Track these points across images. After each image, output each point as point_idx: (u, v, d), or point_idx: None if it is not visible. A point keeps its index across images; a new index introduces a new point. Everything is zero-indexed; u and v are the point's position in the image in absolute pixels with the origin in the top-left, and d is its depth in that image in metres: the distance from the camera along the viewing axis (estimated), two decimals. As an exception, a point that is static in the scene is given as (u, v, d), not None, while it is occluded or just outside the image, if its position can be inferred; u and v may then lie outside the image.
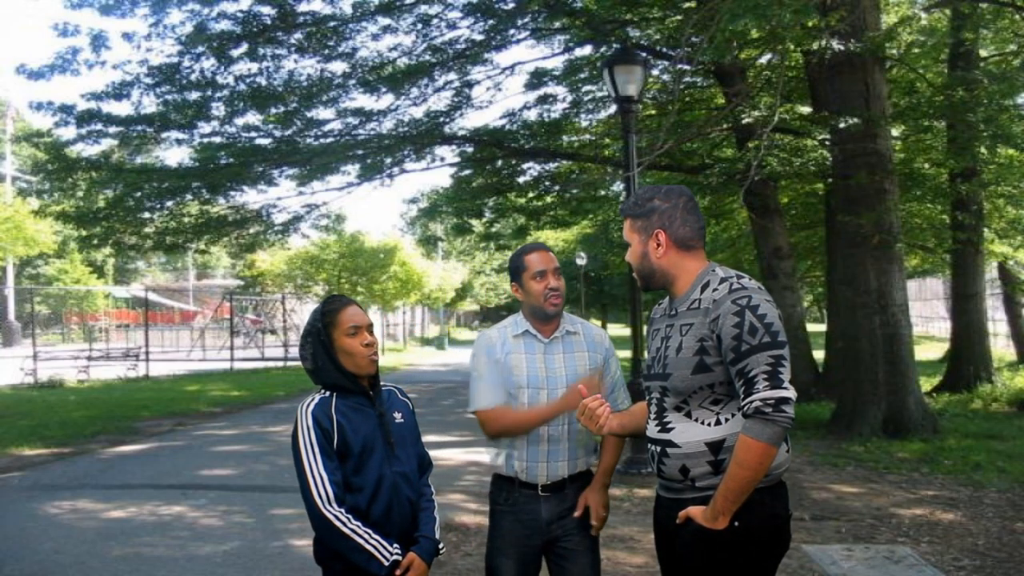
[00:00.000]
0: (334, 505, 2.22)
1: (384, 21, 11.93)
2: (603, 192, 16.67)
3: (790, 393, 2.01)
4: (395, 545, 2.24)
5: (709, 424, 2.14)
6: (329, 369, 2.37)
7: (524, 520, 2.71)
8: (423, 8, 11.83)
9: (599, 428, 2.38)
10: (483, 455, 2.90)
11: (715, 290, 2.15)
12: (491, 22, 11.99)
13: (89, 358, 20.29)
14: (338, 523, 2.21)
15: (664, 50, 12.54)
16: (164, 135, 13.05)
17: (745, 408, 2.02)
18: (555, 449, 2.69)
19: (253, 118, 13.19)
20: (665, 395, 2.21)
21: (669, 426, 2.20)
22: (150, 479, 7.65)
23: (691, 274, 2.24)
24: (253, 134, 13.35)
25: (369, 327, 2.45)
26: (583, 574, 2.71)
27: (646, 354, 2.43)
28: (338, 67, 12.62)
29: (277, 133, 13.29)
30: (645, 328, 2.49)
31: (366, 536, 2.22)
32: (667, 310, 2.31)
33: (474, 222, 17.54)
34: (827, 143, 10.42)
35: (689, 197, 2.28)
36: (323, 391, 2.41)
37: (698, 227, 2.26)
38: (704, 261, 2.27)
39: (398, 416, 2.48)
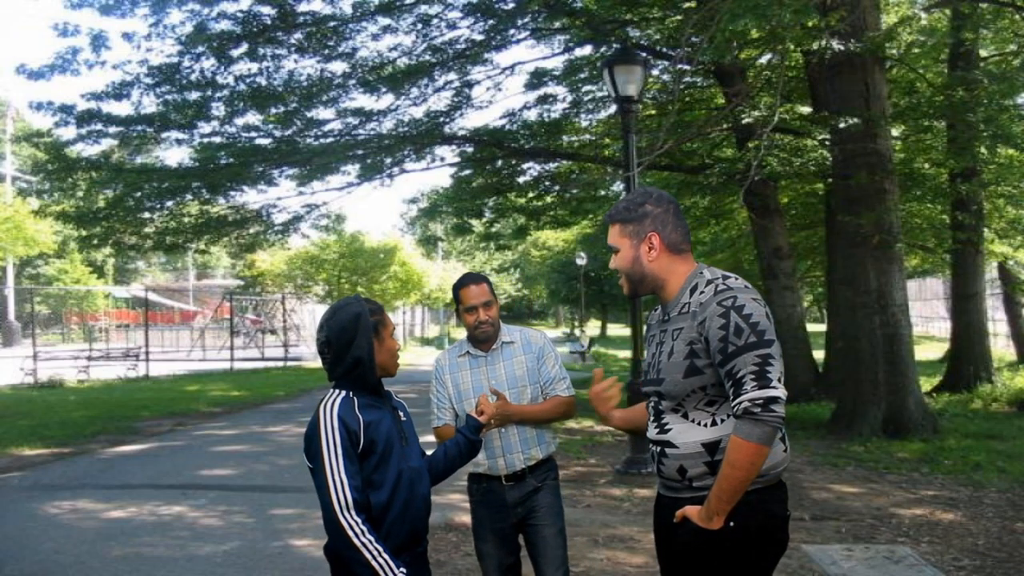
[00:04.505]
0: (351, 513, 2.20)
1: (384, 21, 11.93)
2: (603, 192, 16.65)
3: (779, 392, 2.01)
4: (402, 568, 2.22)
5: (705, 425, 2.15)
6: (368, 366, 2.37)
7: (493, 506, 3.16)
8: (423, 8, 11.83)
9: (605, 414, 2.60)
10: (481, 455, 3.05)
11: (702, 292, 2.16)
12: (491, 22, 11.99)
13: (89, 358, 20.29)
14: (351, 533, 2.19)
15: (664, 50, 12.54)
16: (164, 135, 13.05)
17: (735, 409, 2.03)
18: (507, 443, 3.12)
19: (253, 118, 13.20)
20: (661, 399, 2.23)
21: (667, 427, 2.22)
22: (150, 479, 7.65)
23: (681, 277, 2.25)
24: (253, 134, 13.35)
25: None
26: (551, 542, 3.11)
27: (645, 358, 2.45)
28: (338, 67, 12.64)
29: (277, 133, 13.29)
30: (645, 328, 2.52)
31: (375, 553, 2.19)
32: (661, 316, 2.32)
33: (474, 222, 17.53)
34: (827, 143, 10.42)
35: (675, 203, 2.32)
36: (339, 390, 2.38)
37: (686, 231, 2.30)
38: (692, 264, 2.28)
39: (401, 415, 2.51)
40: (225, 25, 11.53)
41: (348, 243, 30.91)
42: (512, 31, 12.29)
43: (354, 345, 2.35)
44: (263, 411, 13.49)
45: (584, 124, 15.04)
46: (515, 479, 3.12)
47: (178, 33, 11.58)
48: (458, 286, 3.18)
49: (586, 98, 14.11)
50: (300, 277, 32.19)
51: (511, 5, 11.83)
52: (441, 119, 13.36)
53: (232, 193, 14.42)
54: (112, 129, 12.63)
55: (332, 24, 11.80)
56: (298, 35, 11.89)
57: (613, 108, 12.51)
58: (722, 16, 7.22)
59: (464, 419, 2.97)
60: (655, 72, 13.16)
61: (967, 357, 13.34)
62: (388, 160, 13.83)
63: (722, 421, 2.13)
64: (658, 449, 2.24)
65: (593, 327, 51.18)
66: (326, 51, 12.19)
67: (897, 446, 8.59)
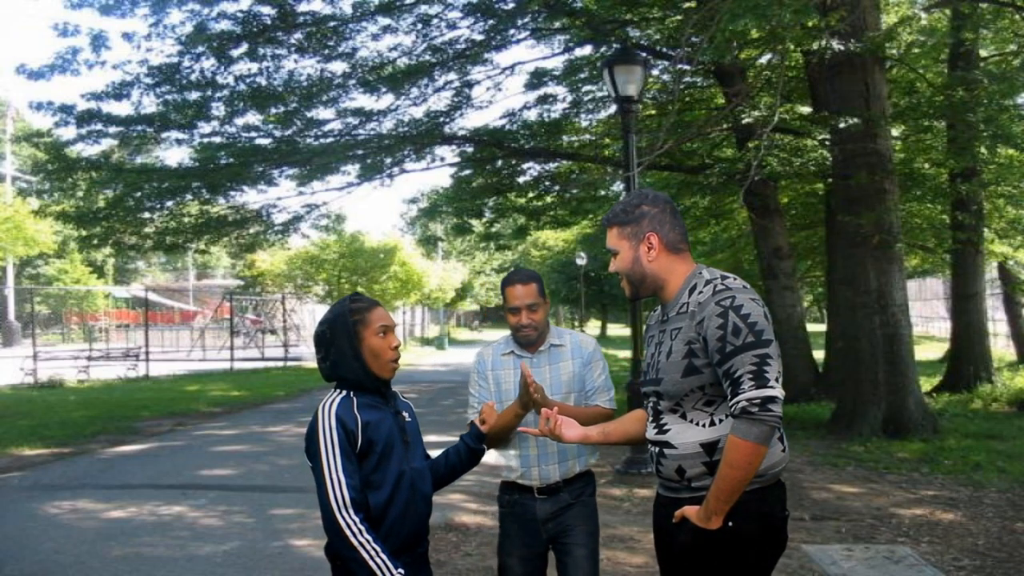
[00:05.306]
0: (349, 512, 2.21)
1: (384, 21, 11.93)
2: (603, 192, 16.66)
3: (776, 392, 2.01)
4: (400, 568, 2.22)
5: (703, 425, 2.16)
6: (355, 367, 2.35)
7: (523, 520, 2.94)
8: (423, 8, 11.83)
9: (556, 435, 2.48)
10: (516, 462, 2.99)
11: (700, 292, 2.17)
12: (491, 22, 11.99)
13: (89, 358, 20.29)
14: (348, 532, 2.19)
15: (664, 50, 12.54)
16: (164, 135, 13.05)
17: (732, 409, 2.03)
18: (543, 452, 2.91)
19: (253, 118, 13.20)
20: (660, 400, 2.23)
21: (666, 428, 2.22)
22: (150, 479, 7.65)
23: (680, 277, 2.26)
24: (253, 134, 13.35)
25: (395, 328, 2.47)
26: (581, 565, 2.90)
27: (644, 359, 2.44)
28: (338, 67, 12.63)
29: (277, 133, 13.29)
30: (644, 329, 2.53)
31: (373, 552, 2.19)
32: (660, 316, 2.33)
33: (474, 222, 17.52)
34: (827, 143, 10.42)
35: (672, 203, 2.33)
36: (339, 390, 2.38)
37: (684, 231, 2.31)
38: (691, 264, 2.30)
39: (406, 415, 2.50)
40: (225, 25, 11.54)
41: (348, 243, 30.89)
42: (512, 31, 12.29)
43: (333, 349, 2.36)
44: (263, 411, 13.49)
45: (584, 124, 15.04)
46: (548, 492, 2.90)
47: (178, 33, 11.59)
48: (505, 283, 2.95)
49: (586, 98, 14.11)
50: (300, 277, 32.16)
51: (511, 5, 11.83)
52: (441, 119, 13.36)
53: (232, 193, 14.42)
54: (112, 129, 12.63)
55: (332, 24, 11.80)
56: (298, 35, 11.89)
57: (613, 108, 12.51)
58: (722, 16, 7.22)
59: None
60: (655, 72, 13.16)
61: (967, 357, 13.34)
62: (388, 160, 13.82)
63: (720, 421, 2.13)
64: (657, 449, 2.25)
65: (593, 327, 51.18)
66: (326, 51, 12.19)
67: (897, 446, 8.59)
